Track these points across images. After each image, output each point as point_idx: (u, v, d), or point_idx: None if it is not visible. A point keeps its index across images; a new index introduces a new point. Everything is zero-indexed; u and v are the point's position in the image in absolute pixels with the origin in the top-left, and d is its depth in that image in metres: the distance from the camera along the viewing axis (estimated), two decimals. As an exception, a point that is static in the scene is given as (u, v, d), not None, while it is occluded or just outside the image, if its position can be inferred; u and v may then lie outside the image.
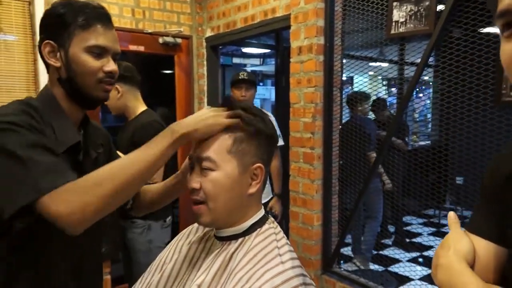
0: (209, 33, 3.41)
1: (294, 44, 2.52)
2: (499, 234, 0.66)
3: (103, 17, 0.99)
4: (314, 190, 2.47)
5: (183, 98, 3.46)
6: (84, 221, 0.82)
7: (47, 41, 0.98)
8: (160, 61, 3.91)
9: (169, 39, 3.25)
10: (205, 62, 3.49)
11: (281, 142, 2.74)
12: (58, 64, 0.98)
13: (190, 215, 0.95)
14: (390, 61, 2.92)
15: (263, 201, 2.34)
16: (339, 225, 2.58)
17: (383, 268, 3.64)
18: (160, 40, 3.23)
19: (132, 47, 3.17)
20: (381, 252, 4.01)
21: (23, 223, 0.90)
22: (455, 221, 0.71)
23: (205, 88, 3.51)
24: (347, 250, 3.68)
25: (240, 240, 0.90)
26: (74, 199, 0.81)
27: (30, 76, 2.70)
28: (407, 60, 2.42)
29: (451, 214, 0.71)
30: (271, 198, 2.89)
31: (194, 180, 0.88)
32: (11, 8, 2.60)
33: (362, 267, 3.45)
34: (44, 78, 2.65)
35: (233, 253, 0.88)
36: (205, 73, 3.51)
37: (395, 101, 3.73)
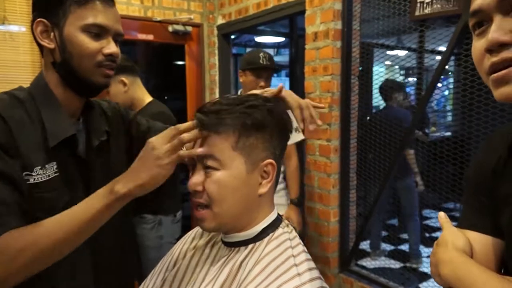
0: (220, 21, 3.28)
1: (309, 30, 2.38)
2: (492, 225, 0.68)
3: None
4: (330, 185, 2.34)
5: (194, 89, 3.35)
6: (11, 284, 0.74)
7: (39, 19, 0.87)
8: (170, 51, 3.81)
9: (179, 27, 3.13)
10: (216, 51, 3.37)
11: (300, 137, 2.29)
12: (51, 45, 0.88)
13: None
14: (410, 49, 2.76)
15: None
16: (357, 222, 2.45)
17: (401, 264, 3.51)
18: (170, 28, 3.12)
19: (141, 36, 3.07)
20: (399, 247, 3.87)
21: None
22: (446, 220, 0.72)
23: (217, 78, 3.39)
24: (365, 244, 3.55)
25: (250, 246, 0.79)
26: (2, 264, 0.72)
27: (36, 66, 2.62)
28: (427, 48, 2.26)
29: (441, 214, 0.73)
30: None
31: (195, 181, 0.77)
32: (15, -4, 2.52)
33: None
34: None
35: (242, 261, 0.77)
36: (217, 62, 3.38)
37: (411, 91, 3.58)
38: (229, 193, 0.76)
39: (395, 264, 3.53)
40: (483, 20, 0.58)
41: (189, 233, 0.96)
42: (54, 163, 0.86)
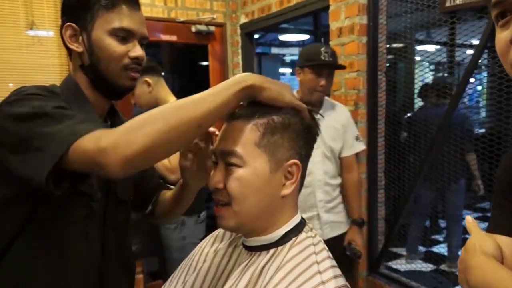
0: (243, 20, 3.26)
1: (333, 26, 2.31)
2: None
3: None
4: (358, 185, 2.27)
5: (217, 89, 3.33)
6: (127, 159, 0.67)
7: (68, 23, 0.89)
8: (193, 51, 3.82)
9: (202, 27, 3.13)
10: (239, 51, 3.35)
11: (361, 147, 2.07)
12: (80, 49, 0.89)
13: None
14: (440, 43, 2.64)
15: (336, 233, 2.06)
16: (386, 223, 2.36)
17: (434, 267, 3.39)
18: (193, 28, 3.12)
19: (165, 37, 3.09)
20: (431, 249, 3.74)
21: (61, 190, 0.76)
22: (473, 224, 0.68)
23: (240, 77, 3.37)
24: (400, 250, 3.44)
25: (271, 251, 0.75)
26: (117, 135, 0.68)
27: (64, 70, 2.68)
28: (458, 42, 2.16)
29: (469, 218, 0.69)
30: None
31: (216, 178, 0.74)
32: (43, 1, 2.57)
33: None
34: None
35: (263, 267, 0.73)
36: (240, 62, 3.36)
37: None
38: (251, 191, 0.72)
39: (427, 267, 3.40)
40: (507, 10, 0.56)
41: (210, 235, 0.94)
42: None
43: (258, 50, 6.58)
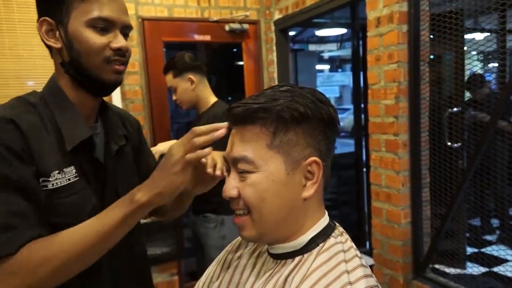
0: (277, 16, 3.19)
1: (371, 15, 2.20)
2: None
3: None
4: (399, 183, 2.14)
5: (252, 87, 3.29)
6: None
7: (43, 18, 0.83)
8: (228, 50, 3.80)
9: (235, 26, 3.10)
10: (274, 48, 3.28)
11: None
12: (58, 44, 0.83)
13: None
14: (491, 31, 2.45)
15: None
16: (432, 224, 2.22)
17: (486, 269, 3.16)
18: (227, 27, 3.09)
19: (198, 37, 3.08)
20: (483, 250, 3.49)
21: None
22: None
23: (275, 75, 3.31)
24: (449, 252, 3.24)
25: (297, 259, 0.69)
26: (14, 282, 0.70)
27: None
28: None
29: None
30: None
31: (229, 186, 0.69)
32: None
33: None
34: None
35: (287, 276, 0.67)
36: (275, 59, 3.30)
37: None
38: (268, 198, 0.66)
39: (478, 271, 3.18)
40: None
41: (234, 241, 0.89)
42: (73, 167, 0.83)
43: (295, 47, 6.49)
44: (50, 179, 0.79)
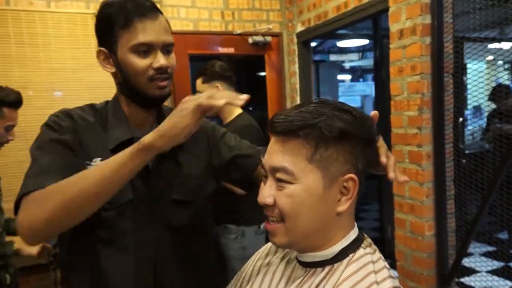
0: (299, 28, 3.24)
1: (393, 28, 2.22)
2: None
3: (142, 9, 0.92)
4: (423, 195, 2.13)
5: (275, 98, 3.34)
6: (31, 234, 0.83)
7: (99, 48, 0.97)
8: (251, 62, 3.86)
9: (258, 38, 3.16)
10: (296, 59, 3.33)
11: None
12: (113, 69, 0.96)
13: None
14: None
15: None
16: (457, 236, 2.19)
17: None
18: (250, 40, 3.16)
19: (222, 50, 3.15)
20: (510, 264, 3.40)
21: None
22: None
23: (298, 86, 3.35)
24: (468, 262, 3.18)
25: (327, 268, 0.71)
26: (28, 211, 0.82)
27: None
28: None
29: None
30: None
31: (266, 194, 0.70)
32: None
33: None
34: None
35: (318, 285, 0.69)
36: (297, 70, 3.34)
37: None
38: (303, 210, 0.68)
39: (505, 284, 3.09)
40: None
41: (264, 247, 0.92)
42: None
43: (316, 57, 6.52)
44: (92, 163, 0.92)
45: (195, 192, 1.04)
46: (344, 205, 0.70)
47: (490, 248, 3.33)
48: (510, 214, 3.00)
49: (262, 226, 2.10)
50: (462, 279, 2.37)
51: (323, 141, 0.67)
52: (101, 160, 0.91)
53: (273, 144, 0.72)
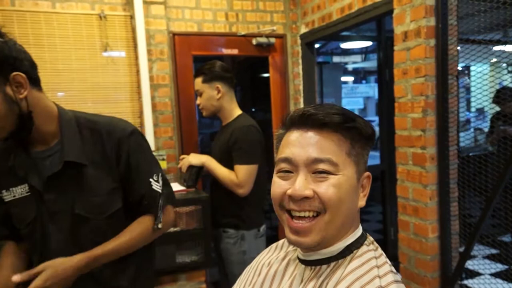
0: (303, 30, 3.25)
1: (398, 30, 2.22)
2: None
3: None
4: (427, 197, 2.13)
5: (278, 100, 3.35)
6: None
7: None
8: (253, 62, 3.87)
9: (262, 40, 3.17)
10: (300, 61, 3.33)
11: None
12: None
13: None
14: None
15: None
16: (461, 238, 2.19)
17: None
18: (254, 41, 3.17)
19: (226, 51, 3.16)
20: (514, 268, 3.39)
21: None
22: None
23: (301, 87, 3.35)
24: (471, 265, 3.17)
25: (332, 264, 0.72)
26: None
27: (133, 87, 2.85)
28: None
29: None
30: None
31: (304, 187, 0.69)
32: (115, 23, 2.77)
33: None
34: (146, 88, 2.77)
35: (323, 281, 0.70)
36: (301, 72, 3.35)
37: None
38: (346, 200, 0.71)
39: (508, 287, 3.09)
40: None
41: (268, 248, 0.92)
42: (26, 185, 1.10)
43: (319, 59, 6.53)
44: (1, 194, 1.13)
45: (95, 208, 1.14)
46: (363, 201, 0.75)
47: (493, 251, 3.32)
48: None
49: (261, 228, 2.09)
50: (465, 282, 2.36)
51: (357, 139, 0.72)
52: (6, 191, 1.11)
53: (303, 137, 0.71)
